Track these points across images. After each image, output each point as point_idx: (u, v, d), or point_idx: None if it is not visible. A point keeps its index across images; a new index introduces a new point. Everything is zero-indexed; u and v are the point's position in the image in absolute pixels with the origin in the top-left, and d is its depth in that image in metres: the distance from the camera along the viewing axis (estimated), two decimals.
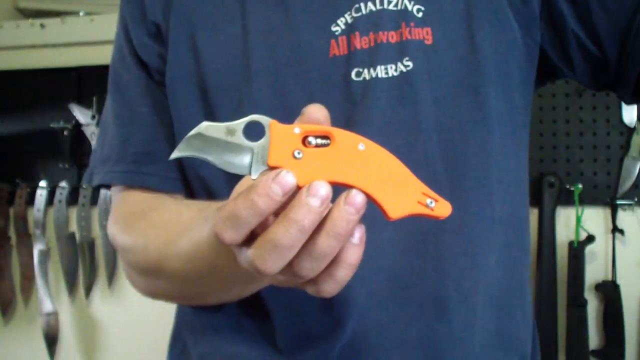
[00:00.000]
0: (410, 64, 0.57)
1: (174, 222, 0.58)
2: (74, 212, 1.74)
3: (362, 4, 0.59)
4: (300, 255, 0.38)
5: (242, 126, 0.40)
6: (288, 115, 0.58)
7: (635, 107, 1.47)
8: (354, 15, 0.59)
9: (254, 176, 0.39)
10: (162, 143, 0.66)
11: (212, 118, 0.62)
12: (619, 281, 1.45)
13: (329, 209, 0.38)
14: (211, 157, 0.40)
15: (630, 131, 1.47)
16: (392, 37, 0.58)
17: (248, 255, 0.39)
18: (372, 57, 0.58)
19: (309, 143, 0.39)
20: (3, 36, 1.79)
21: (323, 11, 0.60)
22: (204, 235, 0.51)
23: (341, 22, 0.59)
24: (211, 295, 0.61)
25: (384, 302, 0.58)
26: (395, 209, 0.39)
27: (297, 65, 0.59)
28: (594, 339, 1.47)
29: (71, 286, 1.76)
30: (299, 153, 0.38)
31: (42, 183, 1.75)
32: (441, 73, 0.58)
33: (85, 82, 1.76)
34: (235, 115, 0.60)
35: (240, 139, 0.39)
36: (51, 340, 1.76)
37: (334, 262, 0.39)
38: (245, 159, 0.39)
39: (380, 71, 0.57)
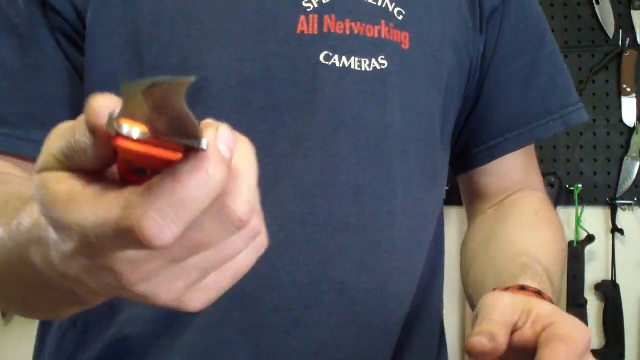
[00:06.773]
0: (385, 63, 0.56)
1: None
2: None
3: None
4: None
5: None
6: (244, 84, 0.54)
7: (635, 107, 1.47)
8: None
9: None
10: (47, 104, 0.56)
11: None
12: (618, 281, 1.45)
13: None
14: None
15: (630, 131, 1.47)
16: (369, 30, 0.56)
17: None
18: (347, 46, 0.55)
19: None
20: None
21: None
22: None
23: None
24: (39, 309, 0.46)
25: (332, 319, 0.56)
26: None
27: (259, 33, 0.54)
28: (594, 339, 1.46)
29: None
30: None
31: None
32: (412, 82, 0.58)
33: None
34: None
35: None
36: None
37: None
38: None
39: (354, 62, 0.55)
